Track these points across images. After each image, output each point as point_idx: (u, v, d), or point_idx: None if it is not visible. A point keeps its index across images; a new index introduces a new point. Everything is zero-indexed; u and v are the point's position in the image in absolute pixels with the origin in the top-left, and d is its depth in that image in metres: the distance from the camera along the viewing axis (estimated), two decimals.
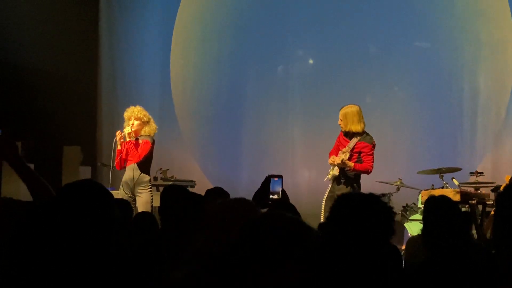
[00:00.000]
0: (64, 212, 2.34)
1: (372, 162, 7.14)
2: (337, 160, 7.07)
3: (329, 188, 7.34)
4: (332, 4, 10.82)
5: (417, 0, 10.46)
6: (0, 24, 9.54)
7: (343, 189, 7.08)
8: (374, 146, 7.20)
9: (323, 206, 7.28)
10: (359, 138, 7.15)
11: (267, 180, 3.48)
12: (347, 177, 7.16)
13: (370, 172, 7.17)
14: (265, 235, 1.99)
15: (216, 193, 4.92)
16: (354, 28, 10.68)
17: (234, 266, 2.00)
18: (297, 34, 11.03)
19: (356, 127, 7.13)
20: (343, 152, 7.12)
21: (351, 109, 7.21)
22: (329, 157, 7.41)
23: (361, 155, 7.11)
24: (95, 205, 2.39)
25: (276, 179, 3.50)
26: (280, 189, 3.52)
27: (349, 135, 7.24)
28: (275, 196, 3.47)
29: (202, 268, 2.26)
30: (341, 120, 7.21)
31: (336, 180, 7.21)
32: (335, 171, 7.16)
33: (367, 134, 7.23)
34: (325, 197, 7.33)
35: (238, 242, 2.01)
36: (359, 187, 7.18)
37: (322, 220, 6.97)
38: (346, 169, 7.11)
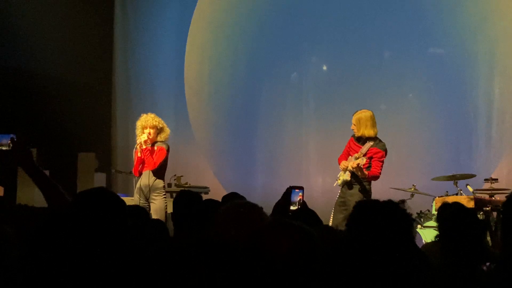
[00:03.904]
0: (77, 219, 2.36)
1: (381, 168, 7.18)
2: (353, 164, 7.08)
3: (339, 193, 7.37)
4: (346, 11, 10.81)
5: (431, 7, 10.43)
6: (16, 31, 9.62)
7: (355, 193, 7.12)
8: (386, 153, 7.23)
9: (333, 211, 7.31)
10: (372, 143, 7.18)
11: (288, 191, 3.51)
12: (360, 181, 7.18)
13: (378, 178, 7.20)
14: (270, 242, 2.01)
15: (233, 198, 4.91)
16: (368, 34, 10.67)
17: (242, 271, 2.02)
18: (311, 40, 11.03)
19: (369, 132, 7.19)
20: (357, 158, 7.13)
21: (364, 114, 7.27)
22: (339, 162, 7.45)
23: (372, 160, 7.14)
24: (107, 213, 2.40)
25: (297, 190, 3.53)
26: (301, 200, 3.56)
27: (361, 140, 7.27)
28: (296, 207, 3.50)
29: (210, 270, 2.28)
30: (354, 125, 7.27)
31: (347, 185, 7.23)
32: (347, 176, 7.19)
33: (380, 140, 7.26)
34: (336, 202, 7.38)
35: (246, 249, 2.04)
36: (371, 191, 7.22)
37: (330, 224, 7.00)
38: (359, 175, 7.13)
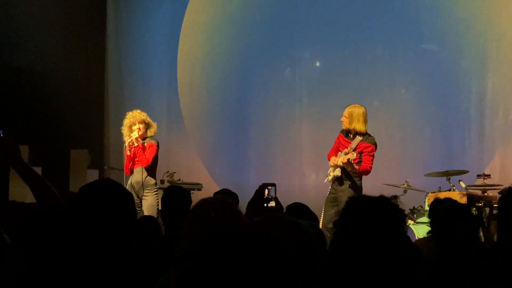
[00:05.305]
0: (86, 212, 2.33)
1: (372, 162, 7.16)
2: (343, 159, 7.05)
3: (329, 189, 7.35)
4: (339, 7, 10.81)
5: (423, 3, 10.45)
6: (8, 27, 9.58)
7: (346, 189, 7.10)
8: (376, 147, 7.22)
9: (324, 207, 7.29)
10: (361, 138, 7.16)
11: (262, 189, 3.52)
12: (351, 177, 7.17)
13: (369, 172, 7.18)
14: (267, 240, 2.01)
15: (224, 195, 4.89)
16: (361, 30, 10.67)
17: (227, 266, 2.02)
18: (304, 36, 11.01)
19: (361, 127, 7.18)
20: (346, 153, 7.11)
21: (358, 109, 7.26)
22: (328, 158, 7.44)
23: (362, 155, 7.12)
24: (116, 205, 2.38)
25: (270, 187, 3.54)
26: (274, 197, 3.56)
27: (350, 135, 7.25)
28: (269, 204, 3.51)
29: (189, 265, 2.28)
30: (345, 117, 7.25)
31: (338, 180, 7.21)
32: (337, 172, 7.17)
33: (370, 135, 7.25)
34: (326, 198, 7.35)
35: (237, 244, 2.04)
36: (362, 187, 7.21)
37: (321, 221, 6.98)
38: (349, 170, 7.11)
